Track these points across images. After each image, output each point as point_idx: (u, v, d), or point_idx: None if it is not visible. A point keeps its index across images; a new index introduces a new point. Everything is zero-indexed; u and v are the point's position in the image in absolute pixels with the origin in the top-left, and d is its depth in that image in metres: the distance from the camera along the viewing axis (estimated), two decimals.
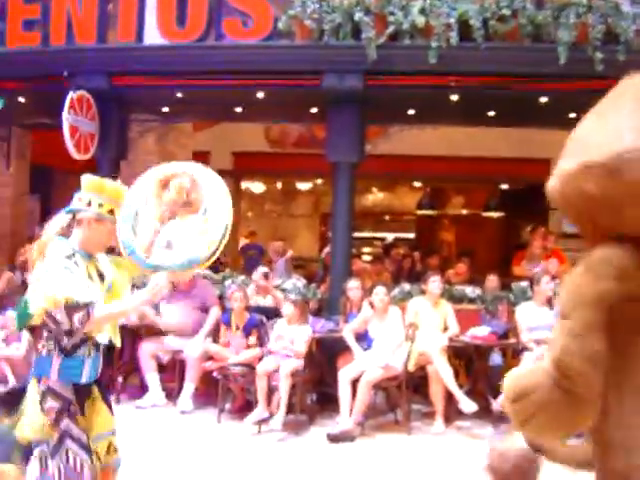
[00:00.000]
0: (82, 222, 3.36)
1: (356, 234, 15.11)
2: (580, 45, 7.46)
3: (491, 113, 9.08)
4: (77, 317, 3.09)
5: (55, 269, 3.14)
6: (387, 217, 16.96)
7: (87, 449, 3.27)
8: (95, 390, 3.42)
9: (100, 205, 3.37)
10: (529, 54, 7.65)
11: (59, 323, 3.12)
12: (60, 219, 3.41)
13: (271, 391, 6.98)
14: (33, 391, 3.26)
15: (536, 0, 7.48)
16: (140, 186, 3.50)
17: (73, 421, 3.24)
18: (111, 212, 3.40)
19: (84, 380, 3.32)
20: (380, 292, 7.16)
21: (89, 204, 3.37)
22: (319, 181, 15.55)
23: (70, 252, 3.26)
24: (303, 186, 16.38)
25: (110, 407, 3.53)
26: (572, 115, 7.92)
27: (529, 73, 7.79)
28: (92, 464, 3.26)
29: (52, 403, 3.22)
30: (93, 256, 3.41)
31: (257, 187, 16.06)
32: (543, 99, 8.31)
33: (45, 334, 3.24)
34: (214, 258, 3.26)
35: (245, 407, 7.36)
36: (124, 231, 3.26)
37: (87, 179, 3.45)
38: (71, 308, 3.08)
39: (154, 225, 3.26)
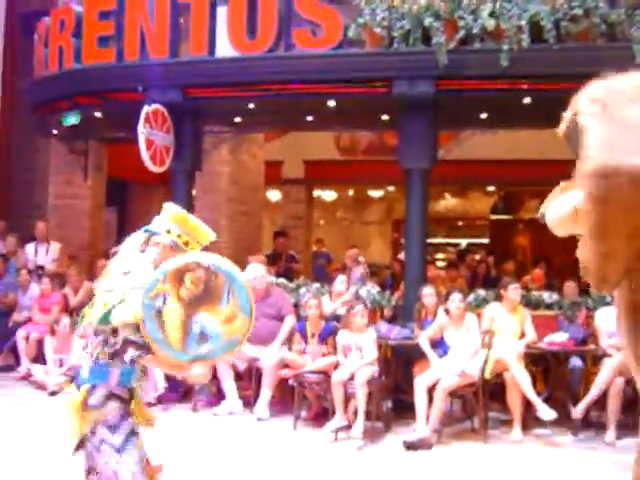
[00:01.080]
0: (158, 244, 3.45)
1: (429, 240, 15.06)
2: None
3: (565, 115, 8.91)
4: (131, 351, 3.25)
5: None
6: (460, 223, 16.84)
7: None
8: (138, 391, 3.52)
9: (179, 236, 3.46)
10: (603, 53, 7.48)
11: (135, 336, 3.22)
12: (138, 237, 3.51)
13: (347, 399, 6.98)
14: (77, 396, 3.36)
15: None
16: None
17: (133, 419, 3.37)
18: (186, 244, 3.48)
19: (133, 384, 3.44)
20: (456, 298, 7.09)
21: (168, 232, 3.46)
22: (390, 188, 15.54)
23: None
24: (374, 193, 16.39)
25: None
26: None
27: (603, 73, 7.63)
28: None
29: (114, 404, 3.33)
30: None
31: (329, 195, 16.13)
32: None
33: (103, 343, 3.32)
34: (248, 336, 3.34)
35: (321, 414, 7.39)
36: (151, 330, 3.27)
37: (172, 210, 3.54)
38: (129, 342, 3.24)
39: (181, 321, 3.29)
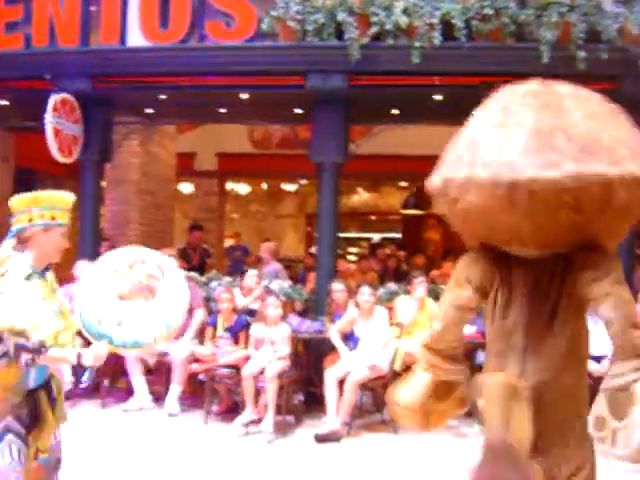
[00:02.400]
0: (30, 239, 3.32)
1: (342, 234, 15.13)
2: (562, 44, 7.49)
3: (475, 112, 9.09)
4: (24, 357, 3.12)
5: (10, 293, 3.13)
6: (373, 217, 16.98)
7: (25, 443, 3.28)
8: (42, 394, 3.40)
9: (41, 215, 3.33)
10: (512, 53, 7.66)
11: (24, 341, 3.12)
12: (5, 247, 3.35)
13: (258, 392, 6.97)
14: None
15: None
16: (110, 259, 3.58)
17: (17, 420, 3.26)
18: (52, 218, 3.36)
19: (32, 385, 3.32)
20: (365, 292, 7.16)
21: (30, 220, 3.32)
22: (304, 182, 15.55)
23: (28, 272, 3.24)
24: (288, 187, 16.37)
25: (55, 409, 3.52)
26: None
27: (512, 72, 7.78)
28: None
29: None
30: (47, 273, 3.39)
31: (242, 188, 16.03)
32: None
33: None
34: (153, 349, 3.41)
35: (232, 409, 7.36)
36: (81, 296, 3.26)
37: (16, 199, 3.39)
38: (20, 347, 3.11)
39: (112, 298, 3.32)
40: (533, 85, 2.61)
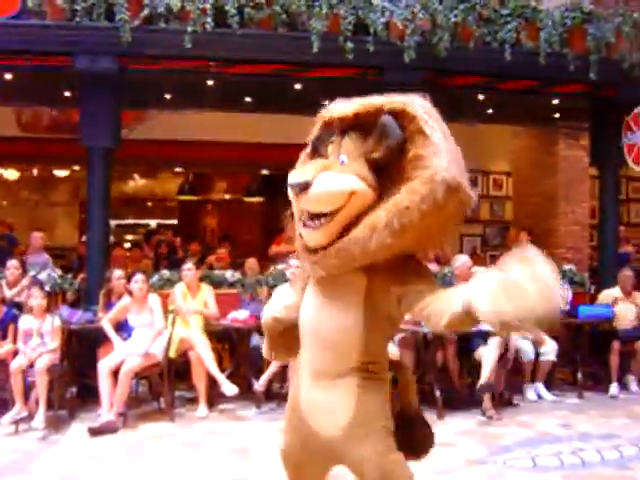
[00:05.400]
0: None
1: (119, 221, 14.78)
2: (332, 35, 7.75)
3: (248, 99, 9.20)
4: None
5: None
6: (150, 203, 16.70)
7: None
8: None
9: None
10: (283, 42, 7.83)
11: None
12: None
13: (27, 388, 6.66)
14: None
15: None
16: None
17: None
18: None
19: None
20: (138, 279, 7.04)
21: None
22: (76, 167, 14.96)
23: None
24: (60, 173, 15.70)
25: None
26: (325, 102, 8.19)
27: (284, 60, 7.98)
28: None
29: None
30: None
31: (11, 174, 15.18)
32: (297, 86, 8.54)
33: None
34: None
35: (0, 406, 6.98)
36: None
37: None
38: None
39: None
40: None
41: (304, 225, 2.63)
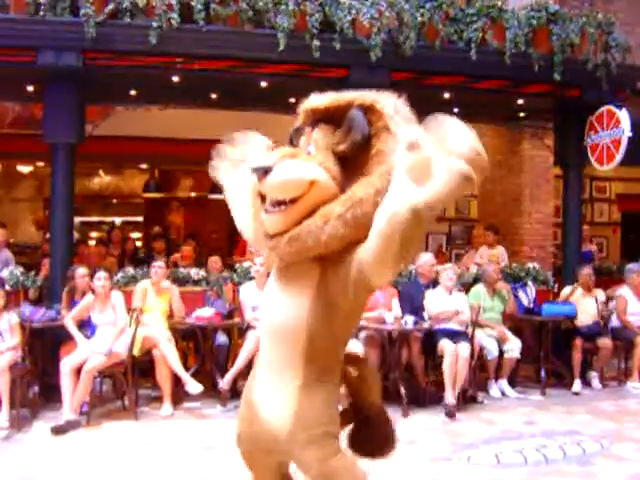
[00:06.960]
0: None
1: (83, 219, 14.64)
2: (298, 32, 7.74)
3: (213, 96, 9.15)
4: None
5: None
6: (115, 200, 16.54)
7: None
8: None
9: None
10: (249, 39, 7.80)
11: None
12: None
13: None
14: None
15: None
16: None
17: None
18: None
19: None
20: (101, 277, 6.98)
21: None
22: (40, 163, 14.81)
23: None
24: (24, 169, 15.53)
25: None
26: (291, 100, 8.17)
27: (249, 57, 7.95)
28: None
29: None
30: None
31: None
32: (263, 83, 8.52)
33: None
34: None
35: None
36: None
37: None
38: None
39: None
40: None
41: (266, 211, 2.63)
